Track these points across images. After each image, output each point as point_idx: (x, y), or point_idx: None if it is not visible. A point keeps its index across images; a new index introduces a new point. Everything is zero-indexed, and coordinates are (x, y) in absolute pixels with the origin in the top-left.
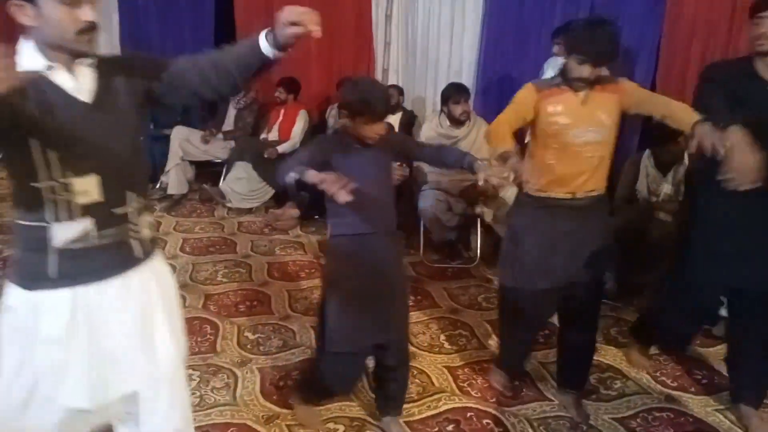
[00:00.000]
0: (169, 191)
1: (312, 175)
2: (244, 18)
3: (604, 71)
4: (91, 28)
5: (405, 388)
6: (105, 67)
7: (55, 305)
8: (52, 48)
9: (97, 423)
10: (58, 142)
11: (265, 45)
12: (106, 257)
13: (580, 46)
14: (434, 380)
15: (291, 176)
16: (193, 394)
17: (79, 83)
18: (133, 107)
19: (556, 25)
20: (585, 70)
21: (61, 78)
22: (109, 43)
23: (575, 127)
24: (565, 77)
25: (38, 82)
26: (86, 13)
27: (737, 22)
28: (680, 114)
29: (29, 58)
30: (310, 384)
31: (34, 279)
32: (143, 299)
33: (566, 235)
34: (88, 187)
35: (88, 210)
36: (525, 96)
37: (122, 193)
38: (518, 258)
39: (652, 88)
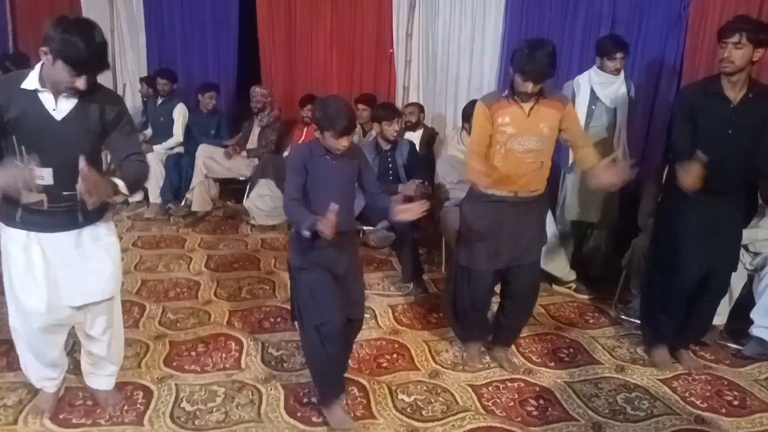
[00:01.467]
0: (193, 208)
1: (323, 227)
2: (266, 38)
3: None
4: (77, 90)
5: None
6: (90, 98)
7: (16, 237)
8: (47, 82)
9: (62, 331)
10: (27, 140)
11: None
12: (55, 220)
13: (523, 67)
14: (458, 399)
15: (306, 233)
16: (218, 410)
17: (58, 106)
18: (98, 131)
19: (577, 42)
20: (528, 86)
21: (46, 99)
22: (136, 62)
23: (519, 136)
24: (513, 91)
25: (29, 96)
26: (80, 83)
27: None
28: (587, 156)
29: (32, 78)
30: (314, 377)
31: (8, 220)
32: (83, 247)
33: (509, 225)
34: (44, 175)
35: (44, 188)
36: (481, 116)
37: (72, 183)
38: (469, 243)
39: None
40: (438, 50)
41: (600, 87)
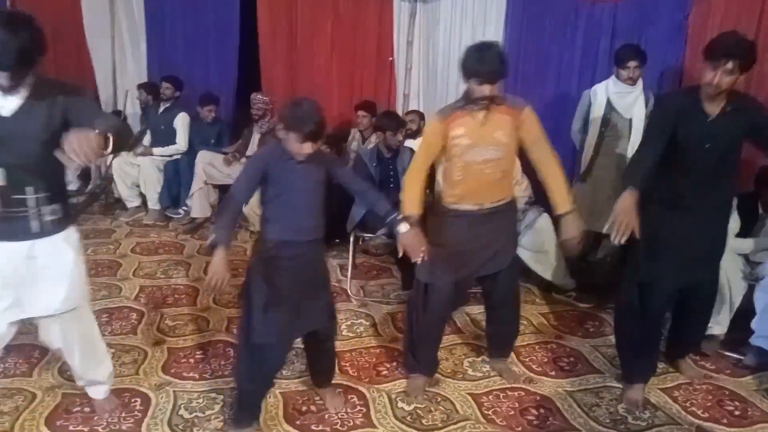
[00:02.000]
0: (193, 214)
1: (210, 278)
2: (267, 46)
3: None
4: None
5: (334, 359)
6: (40, 93)
7: None
8: None
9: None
10: None
11: None
12: (7, 226)
13: (476, 70)
14: (458, 407)
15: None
16: (217, 418)
17: (5, 103)
18: (52, 126)
19: (577, 51)
20: (486, 89)
21: None
22: (137, 71)
23: (476, 146)
24: (467, 100)
25: None
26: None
27: (762, 44)
28: (554, 184)
29: None
30: (238, 399)
31: None
32: (35, 261)
33: (476, 237)
34: None
35: None
36: (432, 132)
37: (22, 184)
38: (431, 258)
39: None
40: (438, 58)
41: (617, 97)
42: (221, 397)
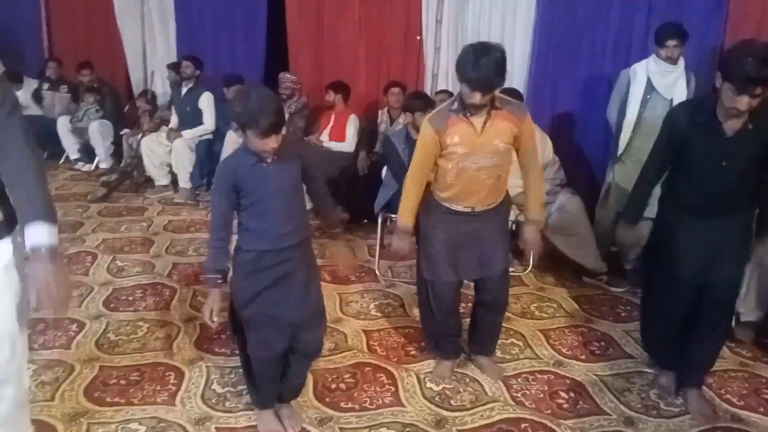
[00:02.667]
0: None
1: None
2: (295, 26)
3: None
4: None
5: (306, 374)
6: None
7: None
8: None
9: None
10: None
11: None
12: None
13: (468, 76)
14: (486, 389)
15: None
16: (249, 393)
17: None
18: None
19: (611, 29)
20: (476, 97)
21: None
22: (165, 51)
23: (472, 155)
24: (461, 104)
25: None
26: None
27: None
28: (531, 197)
29: None
30: (252, 388)
31: None
32: None
33: (469, 237)
34: None
35: None
36: (426, 139)
37: None
38: (429, 254)
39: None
40: (468, 37)
41: (657, 76)
42: None
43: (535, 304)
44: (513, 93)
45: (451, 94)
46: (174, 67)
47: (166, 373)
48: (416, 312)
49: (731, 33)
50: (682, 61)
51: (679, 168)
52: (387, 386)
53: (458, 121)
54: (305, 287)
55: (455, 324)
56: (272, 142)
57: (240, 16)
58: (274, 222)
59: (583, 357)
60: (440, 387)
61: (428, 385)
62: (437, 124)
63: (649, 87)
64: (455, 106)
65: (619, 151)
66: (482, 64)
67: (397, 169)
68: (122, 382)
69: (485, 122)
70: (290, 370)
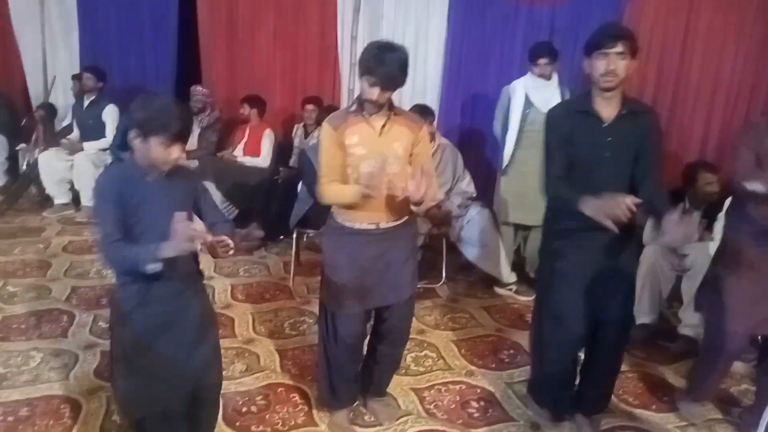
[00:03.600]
0: None
1: (175, 245)
2: (207, 38)
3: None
4: None
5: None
6: None
7: None
8: None
9: None
10: None
11: None
12: None
13: (371, 69)
14: (401, 402)
15: (153, 267)
16: None
17: None
18: None
19: (517, 49)
20: (375, 93)
21: None
22: (68, 61)
23: (371, 158)
24: (359, 104)
25: None
26: None
27: (689, 44)
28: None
29: None
30: None
31: None
32: None
33: (375, 259)
34: None
35: None
36: (327, 139)
37: None
38: (333, 283)
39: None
40: None
41: (534, 91)
42: None
43: (449, 316)
44: (425, 109)
45: None
46: (78, 78)
47: (61, 406)
48: None
49: None
50: (555, 77)
51: (572, 166)
52: (300, 406)
53: (357, 121)
54: (199, 336)
55: (357, 362)
56: (176, 152)
57: (149, 24)
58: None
59: (494, 365)
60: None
61: None
62: (336, 123)
63: (528, 102)
64: (353, 107)
65: (504, 164)
66: (387, 59)
67: (313, 184)
68: (10, 418)
69: (384, 124)
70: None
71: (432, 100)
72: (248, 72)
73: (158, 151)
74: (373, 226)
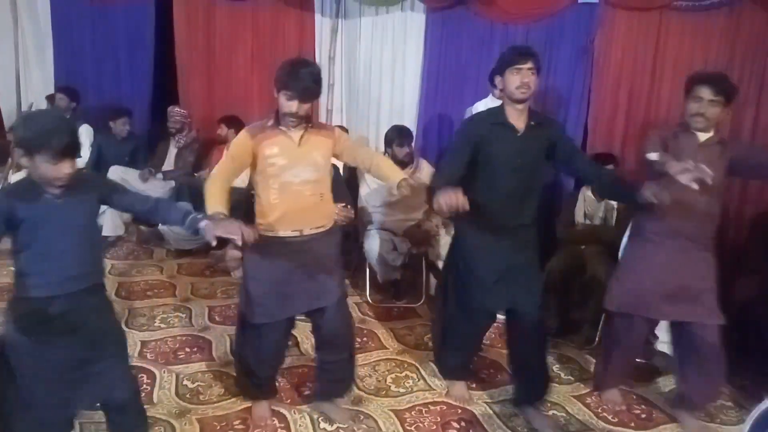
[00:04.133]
0: (104, 233)
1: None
2: (184, 57)
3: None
4: None
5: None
6: None
7: None
8: None
9: None
10: None
11: None
12: None
13: (287, 84)
14: (381, 425)
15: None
16: None
17: None
18: None
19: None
20: (293, 106)
21: None
22: (42, 80)
23: (293, 167)
24: (277, 118)
25: None
26: None
27: (658, 70)
28: (385, 169)
29: None
30: None
31: None
32: None
33: (298, 267)
34: None
35: None
36: (240, 144)
37: None
38: (255, 293)
39: (585, 131)
40: (360, 74)
41: None
42: None
43: (428, 336)
44: (403, 131)
45: (346, 130)
46: (51, 98)
47: None
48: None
49: (596, 74)
50: None
51: (480, 171)
52: (279, 430)
53: (277, 134)
54: (102, 348)
55: (274, 369)
56: (66, 168)
57: (125, 44)
58: (60, 265)
59: (474, 385)
60: (334, 426)
61: (322, 425)
62: (254, 133)
63: None
64: (270, 122)
65: None
66: (301, 74)
67: None
68: None
69: (302, 135)
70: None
71: (409, 121)
72: (225, 92)
73: (47, 169)
74: (296, 233)
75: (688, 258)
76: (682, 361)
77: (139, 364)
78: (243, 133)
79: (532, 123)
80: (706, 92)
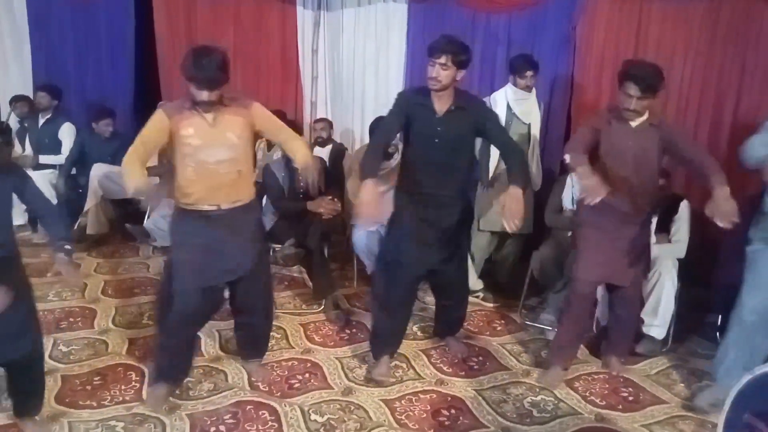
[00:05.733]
0: (88, 231)
1: None
2: (166, 53)
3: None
4: None
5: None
6: None
7: None
8: None
9: None
10: None
11: None
12: None
13: (192, 76)
14: (371, 414)
15: None
16: None
17: None
18: None
19: (476, 60)
20: (204, 95)
21: None
22: (20, 77)
23: (207, 147)
24: (192, 102)
25: None
26: None
27: (641, 55)
28: (296, 151)
29: None
30: None
31: None
32: None
33: (216, 238)
34: None
35: None
36: (156, 122)
37: None
38: (179, 261)
39: (568, 116)
40: (343, 66)
41: (516, 103)
42: (122, 424)
43: (417, 325)
44: None
45: (330, 123)
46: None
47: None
48: (300, 343)
49: (579, 62)
50: (534, 90)
51: (408, 144)
52: (270, 423)
53: (191, 115)
54: (13, 306)
55: (187, 344)
56: None
57: (105, 39)
58: None
59: (463, 373)
60: (325, 418)
61: (313, 417)
62: (170, 113)
63: (510, 114)
64: (188, 104)
65: (490, 175)
66: (204, 64)
67: (278, 199)
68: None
69: (216, 116)
70: (14, 386)
71: None
72: None
73: None
74: (214, 207)
75: (626, 230)
76: (612, 313)
77: (128, 362)
78: (160, 113)
79: (453, 108)
80: (633, 89)
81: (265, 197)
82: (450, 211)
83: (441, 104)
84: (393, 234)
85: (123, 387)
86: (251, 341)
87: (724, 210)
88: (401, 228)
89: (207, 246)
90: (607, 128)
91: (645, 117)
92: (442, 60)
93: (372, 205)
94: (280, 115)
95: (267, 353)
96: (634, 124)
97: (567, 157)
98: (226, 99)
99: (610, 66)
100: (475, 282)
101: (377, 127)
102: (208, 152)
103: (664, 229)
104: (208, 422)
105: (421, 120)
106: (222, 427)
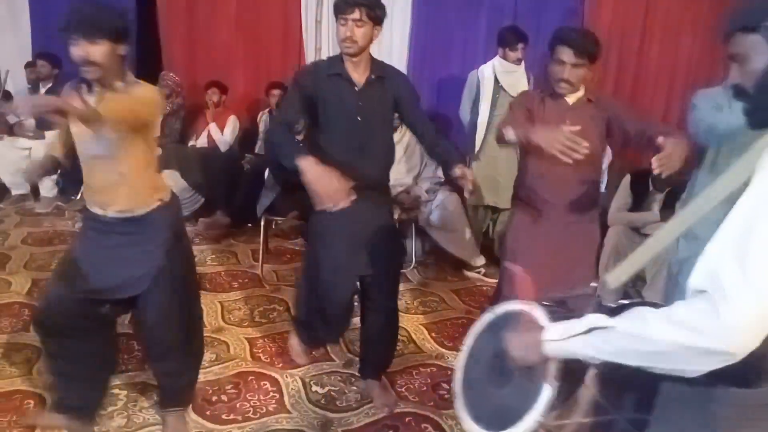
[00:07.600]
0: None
1: None
2: (166, 22)
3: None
4: None
5: None
6: None
7: None
8: None
9: None
10: None
11: None
12: None
13: (65, 24)
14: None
15: None
16: (120, 414)
17: None
18: None
19: (481, 34)
20: (79, 50)
21: None
22: (17, 47)
23: (81, 139)
24: (81, 78)
25: None
26: None
27: (648, 30)
28: None
29: None
30: None
31: None
32: None
33: (100, 250)
34: None
35: None
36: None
37: None
38: (68, 267)
39: None
40: None
41: (503, 76)
42: (125, 392)
43: (419, 300)
44: None
45: None
46: (32, 65)
47: (25, 402)
48: None
49: None
50: (523, 63)
51: (322, 123)
52: (271, 393)
53: (73, 97)
54: None
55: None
56: None
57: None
58: None
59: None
60: (326, 389)
61: (314, 388)
62: (65, 94)
63: (497, 87)
64: (75, 82)
65: (476, 149)
66: (76, 6)
67: (276, 168)
68: None
69: (99, 100)
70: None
71: None
72: (209, 57)
73: None
74: (101, 212)
75: (567, 230)
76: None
77: (131, 331)
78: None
79: (372, 77)
80: (567, 55)
81: (267, 170)
82: (378, 209)
83: (359, 74)
84: (315, 242)
85: (125, 356)
86: (162, 385)
87: (672, 154)
88: (324, 233)
89: (87, 254)
90: (540, 107)
91: (581, 93)
92: (356, 15)
93: (325, 181)
94: (283, 87)
95: (269, 326)
96: (570, 100)
97: (509, 133)
98: (112, 79)
99: (616, 40)
100: (476, 257)
101: None
102: (84, 145)
103: (672, 207)
104: (210, 392)
105: (336, 95)
106: (224, 397)
